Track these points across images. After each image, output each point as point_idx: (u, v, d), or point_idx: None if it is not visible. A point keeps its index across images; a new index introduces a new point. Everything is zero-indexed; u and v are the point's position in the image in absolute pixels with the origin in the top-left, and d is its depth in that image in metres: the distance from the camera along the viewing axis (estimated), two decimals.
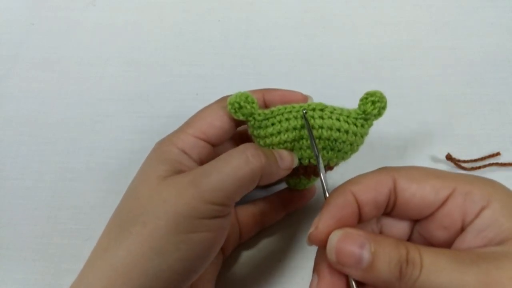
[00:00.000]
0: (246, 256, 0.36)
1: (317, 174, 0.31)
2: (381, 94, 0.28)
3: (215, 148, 0.30)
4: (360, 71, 0.44)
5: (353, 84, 0.43)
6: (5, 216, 0.38)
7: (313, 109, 0.28)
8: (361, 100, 0.29)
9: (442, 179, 0.24)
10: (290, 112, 0.28)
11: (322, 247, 0.23)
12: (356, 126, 0.28)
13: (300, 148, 0.28)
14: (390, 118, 0.41)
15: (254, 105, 0.28)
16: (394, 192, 0.24)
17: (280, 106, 0.29)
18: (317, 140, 0.28)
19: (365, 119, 0.29)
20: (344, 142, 0.28)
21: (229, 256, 0.35)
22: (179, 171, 0.27)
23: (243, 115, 0.28)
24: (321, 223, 0.23)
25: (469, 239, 0.23)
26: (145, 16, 0.48)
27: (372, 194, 0.24)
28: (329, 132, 0.28)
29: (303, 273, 0.35)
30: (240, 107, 0.28)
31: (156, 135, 0.31)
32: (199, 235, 0.25)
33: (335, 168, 0.31)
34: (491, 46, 0.45)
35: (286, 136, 0.28)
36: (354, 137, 0.28)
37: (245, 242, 0.35)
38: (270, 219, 0.34)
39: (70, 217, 0.37)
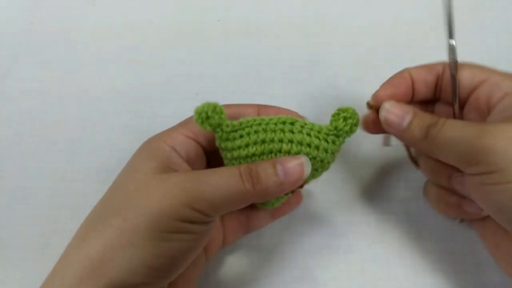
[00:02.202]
0: (246, 255, 0.36)
1: (292, 191, 0.30)
2: (354, 110, 0.28)
3: (211, 157, 0.30)
4: (360, 71, 0.44)
5: (353, 84, 0.43)
6: (5, 216, 0.38)
7: (283, 123, 0.28)
8: (333, 116, 0.28)
9: (481, 69, 0.29)
10: (259, 124, 0.28)
11: (375, 110, 0.30)
12: (327, 142, 0.28)
13: None
14: None
15: (222, 115, 0.27)
16: (441, 77, 0.30)
17: (249, 118, 0.28)
18: (286, 155, 0.27)
19: (337, 136, 0.28)
20: (314, 158, 0.27)
21: (228, 256, 0.35)
22: (167, 168, 0.27)
23: (210, 125, 0.27)
24: (382, 87, 0.30)
25: (492, 118, 0.27)
26: (145, 16, 0.48)
27: (423, 73, 0.30)
28: (299, 147, 0.27)
29: (303, 273, 0.35)
30: (208, 117, 0.27)
31: None
32: (179, 236, 0.25)
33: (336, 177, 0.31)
34: (491, 46, 0.45)
35: (254, 149, 0.27)
36: (324, 153, 0.28)
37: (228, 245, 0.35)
38: (256, 225, 0.34)
39: (70, 217, 0.37)
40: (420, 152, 0.32)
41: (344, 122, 0.28)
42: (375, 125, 0.30)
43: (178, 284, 0.29)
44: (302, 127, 0.28)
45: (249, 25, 0.47)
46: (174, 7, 0.49)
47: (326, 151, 0.28)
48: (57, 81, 0.44)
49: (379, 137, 0.35)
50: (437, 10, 0.48)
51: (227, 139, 0.28)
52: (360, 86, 0.43)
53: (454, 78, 0.29)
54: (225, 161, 0.29)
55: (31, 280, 0.34)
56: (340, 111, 0.28)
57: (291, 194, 0.31)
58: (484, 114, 0.29)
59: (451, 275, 0.35)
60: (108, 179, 0.39)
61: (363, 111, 0.42)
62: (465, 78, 0.29)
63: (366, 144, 0.39)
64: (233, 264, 0.35)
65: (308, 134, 0.27)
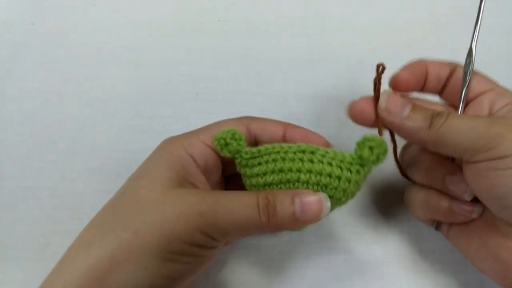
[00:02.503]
0: (246, 255, 0.36)
1: None
2: (381, 140, 0.27)
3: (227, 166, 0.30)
4: (360, 71, 0.44)
5: (353, 85, 0.43)
6: (5, 216, 0.38)
7: (303, 152, 0.27)
8: (358, 144, 0.27)
9: (488, 80, 0.31)
10: (278, 152, 0.27)
11: (375, 96, 0.30)
12: (351, 172, 0.26)
13: None
14: None
15: (241, 142, 0.27)
16: (452, 75, 0.31)
17: (268, 146, 0.28)
18: (305, 185, 0.26)
19: (361, 165, 0.27)
20: (335, 188, 0.26)
21: (228, 256, 0.35)
22: (184, 179, 0.27)
23: (229, 152, 0.27)
24: (403, 70, 0.31)
25: None
26: (145, 16, 0.48)
27: (438, 67, 0.31)
28: (318, 177, 0.26)
29: (303, 273, 0.35)
30: (226, 144, 0.27)
31: (156, 135, 0.31)
32: (186, 258, 0.25)
33: None
34: (491, 46, 0.45)
35: (271, 178, 0.27)
36: (347, 184, 0.26)
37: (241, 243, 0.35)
38: None
39: (70, 217, 0.37)
40: (417, 146, 0.32)
41: (369, 152, 0.26)
42: (364, 113, 0.30)
43: None
44: (323, 156, 0.26)
45: (249, 25, 0.47)
46: (174, 7, 0.49)
47: (349, 181, 0.26)
48: (57, 81, 0.44)
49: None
50: (437, 10, 0.48)
51: (246, 166, 0.28)
52: (360, 86, 0.43)
53: (465, 81, 0.30)
54: (246, 186, 0.29)
55: (31, 280, 0.34)
56: (365, 140, 0.27)
57: None
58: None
59: (451, 275, 0.35)
60: (108, 179, 0.39)
61: None
62: (474, 83, 0.30)
63: None
64: (233, 264, 0.35)
65: (329, 164, 0.26)
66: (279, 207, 0.25)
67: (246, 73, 0.44)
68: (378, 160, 0.27)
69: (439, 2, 0.48)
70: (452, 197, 0.29)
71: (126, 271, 0.23)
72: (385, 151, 0.27)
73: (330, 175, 0.26)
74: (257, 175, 0.27)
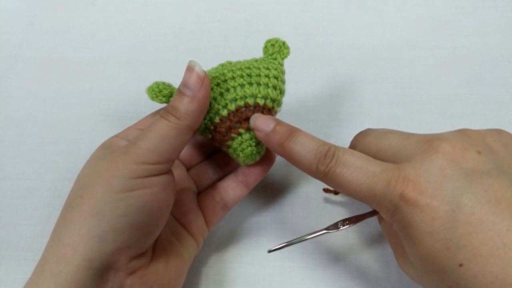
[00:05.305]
0: (245, 254, 0.36)
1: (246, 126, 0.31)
2: (277, 38, 0.33)
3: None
4: (360, 71, 0.44)
5: (353, 85, 0.43)
6: (5, 216, 0.38)
7: (222, 64, 0.32)
8: (263, 49, 0.34)
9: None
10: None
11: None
12: (266, 62, 0.32)
13: (221, 95, 0.30)
14: (390, 118, 0.41)
15: (171, 86, 0.31)
16: None
17: None
18: (232, 82, 0.30)
19: (273, 58, 0.33)
20: (258, 75, 0.30)
21: (228, 256, 0.35)
22: None
23: (164, 96, 0.30)
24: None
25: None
26: (145, 16, 0.48)
27: None
28: (239, 71, 0.30)
29: (303, 273, 0.35)
30: (160, 90, 0.30)
31: None
32: (136, 192, 0.26)
33: None
34: (491, 46, 0.45)
35: None
36: (267, 70, 0.31)
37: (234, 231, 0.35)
38: (231, 199, 0.34)
39: None
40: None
41: (272, 46, 0.33)
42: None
43: (169, 259, 0.29)
44: (239, 62, 0.32)
45: (249, 25, 0.47)
46: (174, 7, 0.49)
47: (268, 69, 0.31)
48: (57, 81, 0.44)
49: None
50: (437, 10, 0.48)
51: None
52: (360, 86, 0.43)
53: None
54: None
55: None
56: (266, 42, 0.33)
57: (261, 149, 0.32)
58: None
59: None
60: None
61: (364, 110, 0.42)
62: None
63: None
64: (233, 264, 0.35)
65: (248, 62, 0.31)
66: (175, 102, 0.28)
67: None
68: (281, 50, 0.33)
69: (439, 2, 0.48)
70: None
71: (85, 228, 0.25)
72: (283, 43, 0.33)
73: (249, 67, 0.31)
74: None
